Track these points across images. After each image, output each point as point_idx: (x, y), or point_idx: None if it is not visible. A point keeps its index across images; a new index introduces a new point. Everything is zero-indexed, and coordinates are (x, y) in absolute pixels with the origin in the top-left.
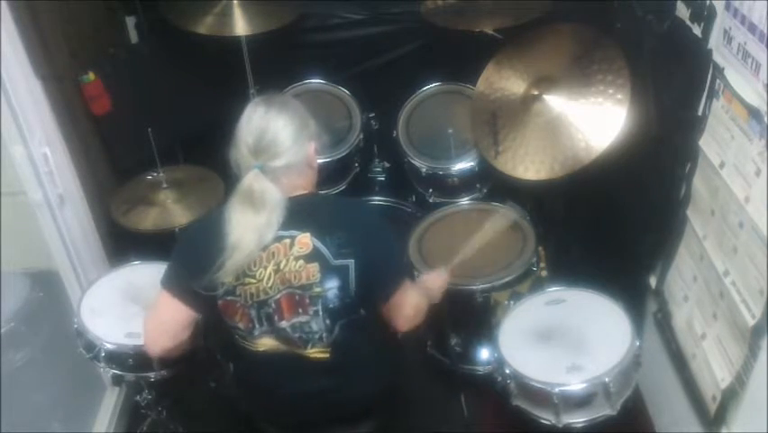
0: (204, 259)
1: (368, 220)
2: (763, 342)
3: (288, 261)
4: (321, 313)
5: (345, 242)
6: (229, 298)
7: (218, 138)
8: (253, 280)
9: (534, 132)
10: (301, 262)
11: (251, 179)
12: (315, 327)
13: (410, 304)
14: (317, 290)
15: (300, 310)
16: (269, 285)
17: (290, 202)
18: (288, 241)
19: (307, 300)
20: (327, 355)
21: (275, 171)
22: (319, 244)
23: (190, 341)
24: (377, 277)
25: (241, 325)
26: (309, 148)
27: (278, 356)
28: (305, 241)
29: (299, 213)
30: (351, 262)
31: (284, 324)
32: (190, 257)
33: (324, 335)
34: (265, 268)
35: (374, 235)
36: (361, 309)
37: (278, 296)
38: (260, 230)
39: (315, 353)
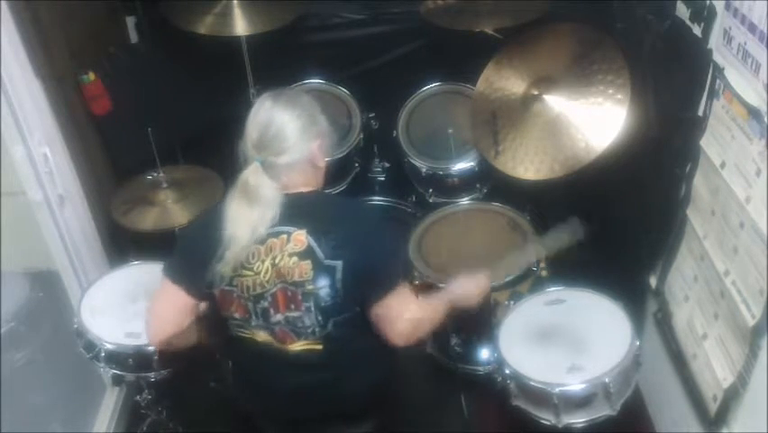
0: (204, 251)
1: (366, 222)
2: (762, 342)
3: (283, 256)
4: (313, 310)
5: (340, 242)
6: (226, 288)
7: (218, 138)
8: (250, 273)
9: (534, 132)
10: (295, 258)
11: (249, 173)
12: (307, 321)
13: (407, 318)
14: (309, 287)
15: (293, 306)
16: (266, 279)
17: (290, 199)
18: (284, 237)
19: (300, 297)
20: (320, 348)
21: (275, 167)
22: (313, 243)
23: (194, 333)
24: (364, 281)
25: (237, 315)
26: (314, 146)
27: (272, 351)
28: (300, 238)
29: (298, 210)
30: (339, 264)
31: (279, 317)
32: (192, 249)
33: (317, 329)
34: (263, 262)
35: (369, 237)
36: (356, 307)
37: (274, 289)
38: (253, 224)
39: (307, 345)
